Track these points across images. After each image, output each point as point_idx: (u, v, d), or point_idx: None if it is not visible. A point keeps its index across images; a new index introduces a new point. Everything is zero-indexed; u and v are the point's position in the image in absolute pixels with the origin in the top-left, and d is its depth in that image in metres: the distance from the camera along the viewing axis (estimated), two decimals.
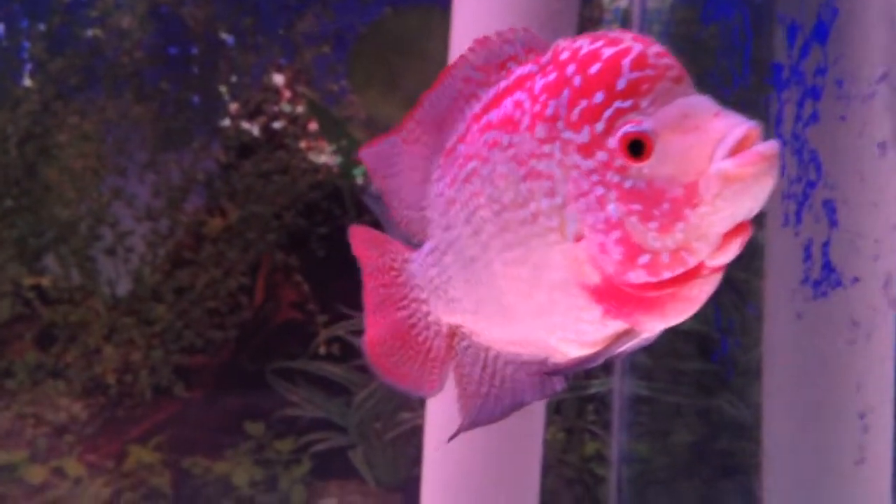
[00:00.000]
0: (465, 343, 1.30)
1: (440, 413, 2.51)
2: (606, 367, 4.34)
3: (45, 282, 4.45)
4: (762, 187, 0.98)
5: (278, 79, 4.90)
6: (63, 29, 4.57)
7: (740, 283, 4.20)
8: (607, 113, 1.03)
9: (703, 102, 1.02)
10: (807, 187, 2.63)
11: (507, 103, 1.13)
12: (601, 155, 1.04)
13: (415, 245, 1.34)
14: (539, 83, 1.10)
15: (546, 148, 1.08)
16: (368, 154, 1.33)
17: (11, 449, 4.22)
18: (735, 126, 0.99)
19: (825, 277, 2.61)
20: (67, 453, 4.25)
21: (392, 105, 4.72)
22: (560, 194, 1.09)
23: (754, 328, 4.00)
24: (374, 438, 4.55)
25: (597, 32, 1.08)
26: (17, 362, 4.35)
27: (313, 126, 4.88)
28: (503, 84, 1.15)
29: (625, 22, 4.62)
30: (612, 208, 1.04)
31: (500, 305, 1.20)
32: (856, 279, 2.57)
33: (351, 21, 4.85)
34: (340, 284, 4.10)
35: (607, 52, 1.04)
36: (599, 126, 1.04)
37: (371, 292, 1.37)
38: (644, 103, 1.02)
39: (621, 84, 1.03)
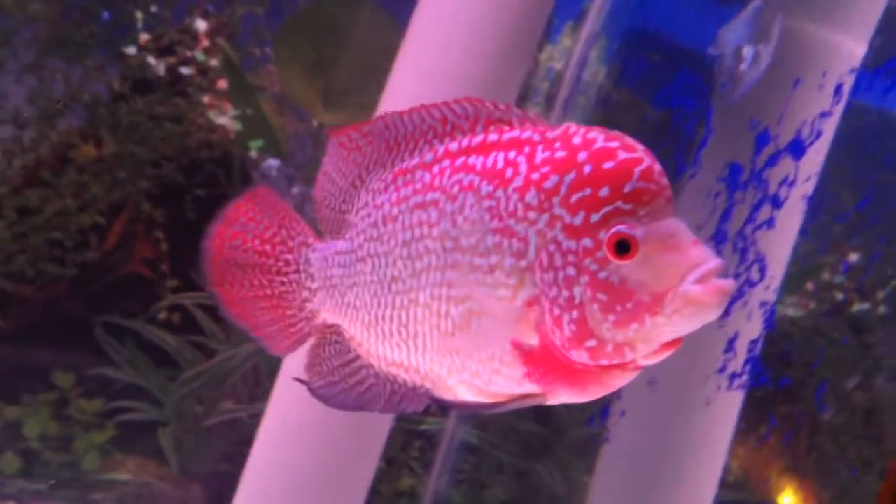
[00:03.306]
0: (334, 339, 1.34)
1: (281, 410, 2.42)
2: (444, 409, 4.31)
3: None
4: (712, 314, 1.08)
5: (201, 25, 4.39)
6: None
7: None
8: (607, 208, 1.09)
9: (685, 228, 1.10)
10: (744, 286, 2.44)
11: (498, 157, 1.17)
12: (587, 241, 1.10)
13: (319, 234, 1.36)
14: (542, 154, 1.14)
15: (531, 214, 1.12)
16: (334, 138, 1.33)
17: None
18: (709, 258, 1.08)
19: (745, 371, 2.43)
20: None
21: (309, 88, 4.33)
22: (527, 259, 1.13)
23: (588, 405, 4.08)
24: (191, 421, 4.08)
25: (610, 131, 1.12)
26: None
27: (222, 84, 4.38)
28: (492, 137, 1.19)
29: (554, 84, 4.48)
30: (579, 291, 1.10)
31: (406, 331, 1.24)
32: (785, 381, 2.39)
33: None
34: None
35: (622, 154, 1.09)
36: (595, 217, 1.09)
37: (246, 252, 1.37)
38: (641, 212, 1.08)
39: (628, 188, 1.08)
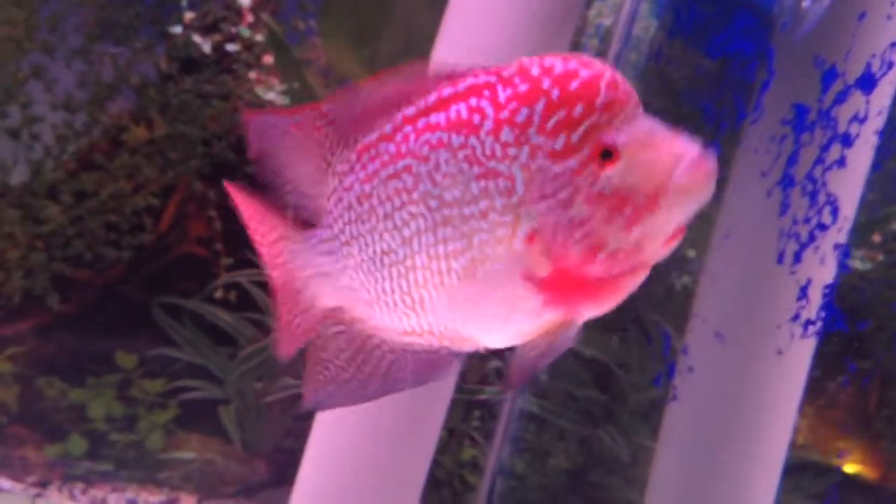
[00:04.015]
0: (336, 329, 1.31)
1: None
2: (503, 378, 4.28)
3: None
4: (706, 195, 1.12)
5: (244, 0, 4.33)
6: None
7: (649, 323, 4.12)
8: (585, 125, 1.11)
9: (660, 125, 1.13)
10: (815, 230, 2.32)
11: (460, 108, 1.17)
12: (572, 162, 1.12)
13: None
14: (505, 93, 1.14)
15: (511, 151, 1.13)
16: (256, 122, 1.30)
17: None
18: (691, 147, 1.11)
19: (820, 318, 2.31)
20: None
21: (354, 60, 4.25)
22: (517, 194, 1.14)
23: (651, 368, 3.96)
24: (251, 398, 4.08)
25: (563, 54, 1.13)
26: None
27: (268, 59, 4.33)
28: (447, 92, 1.18)
29: (604, 41, 4.35)
30: (578, 210, 1.12)
31: (410, 298, 1.23)
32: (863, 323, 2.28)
33: None
34: None
35: (585, 72, 1.12)
36: (575, 136, 1.12)
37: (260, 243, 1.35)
38: (616, 121, 1.11)
39: (599, 101, 1.11)
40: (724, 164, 2.81)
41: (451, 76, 1.18)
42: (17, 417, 3.78)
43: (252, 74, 4.29)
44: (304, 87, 4.24)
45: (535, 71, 1.13)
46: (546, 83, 1.12)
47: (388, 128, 1.22)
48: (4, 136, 3.89)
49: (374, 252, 1.24)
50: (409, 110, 1.20)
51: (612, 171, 1.11)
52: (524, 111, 1.12)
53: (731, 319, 2.49)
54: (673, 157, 1.11)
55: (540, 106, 1.12)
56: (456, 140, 1.16)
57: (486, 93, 1.15)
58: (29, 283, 3.82)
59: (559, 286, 1.15)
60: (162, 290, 4.06)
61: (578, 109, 1.10)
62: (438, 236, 1.19)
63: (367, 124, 1.23)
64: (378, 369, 1.29)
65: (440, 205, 1.18)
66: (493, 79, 1.16)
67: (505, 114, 1.13)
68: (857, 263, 4.17)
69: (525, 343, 1.21)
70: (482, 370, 4.26)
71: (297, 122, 1.27)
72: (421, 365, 1.27)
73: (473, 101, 1.16)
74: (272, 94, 4.26)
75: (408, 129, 1.20)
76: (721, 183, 2.94)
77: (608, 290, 1.16)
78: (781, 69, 2.57)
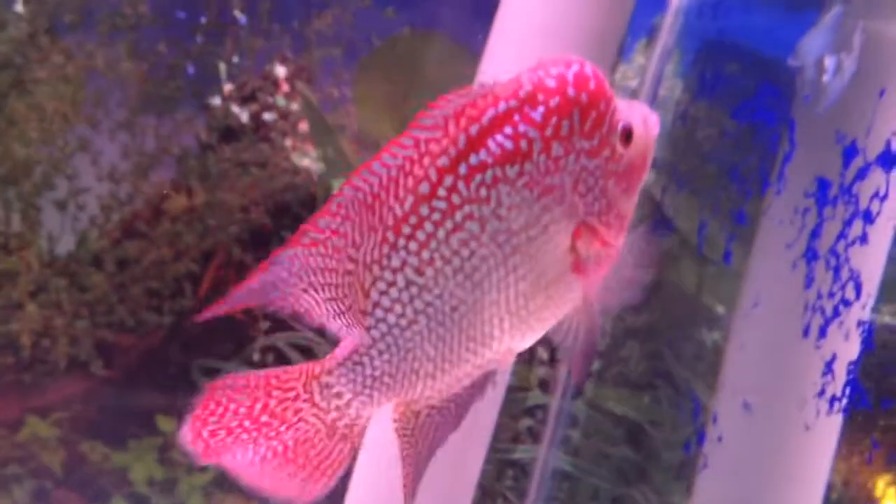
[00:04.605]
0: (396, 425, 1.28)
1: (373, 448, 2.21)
2: (535, 436, 4.22)
3: None
4: None
5: (280, 70, 4.46)
6: None
7: (680, 381, 4.07)
8: (608, 118, 1.19)
9: (635, 101, 1.26)
10: (839, 305, 2.33)
11: (500, 141, 1.16)
12: (606, 152, 1.20)
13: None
14: (537, 112, 1.16)
15: (562, 162, 1.18)
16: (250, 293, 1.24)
17: None
18: (645, 107, 1.25)
19: (845, 395, 2.31)
20: None
21: (387, 124, 4.33)
22: (568, 198, 1.19)
23: (683, 426, 3.83)
24: None
25: (552, 59, 1.18)
26: None
27: (303, 126, 4.43)
28: (474, 130, 1.16)
29: None
30: (612, 192, 1.21)
31: (474, 342, 1.22)
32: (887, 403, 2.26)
33: (368, 31, 4.45)
34: None
35: (588, 69, 1.17)
36: (604, 129, 1.19)
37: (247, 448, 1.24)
38: (620, 105, 1.21)
39: (608, 93, 1.18)
40: (751, 232, 2.83)
41: (459, 114, 1.16)
42: (63, 482, 3.85)
43: (288, 142, 4.40)
44: (338, 152, 4.34)
45: (551, 83, 1.16)
46: (571, 92, 1.15)
47: (424, 188, 1.18)
48: (52, 208, 4.01)
49: (444, 314, 1.21)
50: (442, 160, 1.17)
51: (628, 149, 1.21)
52: (566, 123, 1.16)
53: (758, 391, 2.49)
54: (645, 119, 1.23)
55: (577, 114, 1.16)
56: (511, 171, 1.17)
57: (517, 118, 1.16)
58: (74, 350, 3.92)
59: (595, 267, 1.23)
60: (201, 353, 4.13)
61: (602, 106, 1.17)
62: (509, 266, 1.19)
63: (393, 194, 1.18)
64: (428, 437, 1.28)
65: (507, 237, 1.19)
66: (514, 103, 1.16)
67: (549, 131, 1.16)
68: (886, 318, 4.13)
69: (563, 339, 1.25)
70: (515, 428, 4.26)
71: (308, 243, 1.20)
72: (461, 406, 1.27)
73: (509, 130, 1.16)
74: (307, 160, 4.36)
75: (448, 180, 1.17)
76: (748, 250, 2.96)
77: (613, 260, 1.24)
78: (803, 141, 2.59)
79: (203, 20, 4.36)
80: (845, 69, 2.48)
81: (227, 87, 4.41)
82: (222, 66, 4.42)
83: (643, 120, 1.23)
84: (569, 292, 1.23)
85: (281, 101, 4.44)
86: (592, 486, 4.28)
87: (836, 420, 2.40)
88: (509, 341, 1.23)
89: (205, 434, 1.23)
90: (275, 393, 1.24)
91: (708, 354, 3.90)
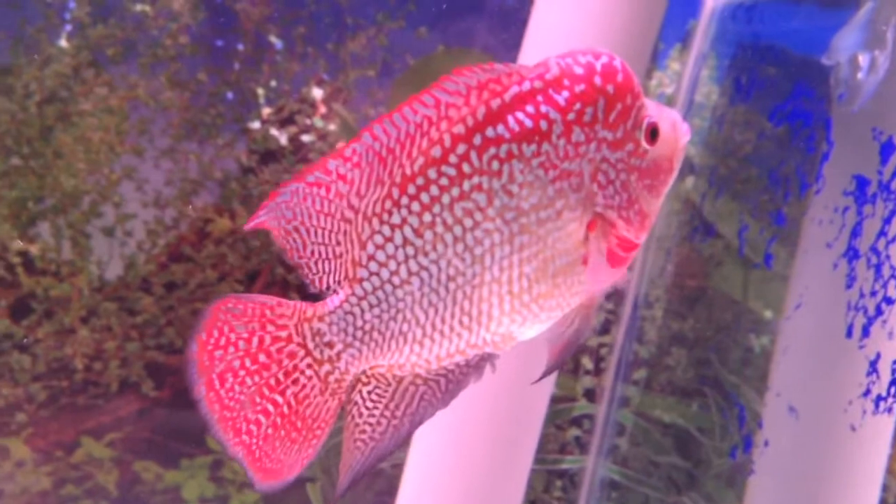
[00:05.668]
0: (369, 387, 1.25)
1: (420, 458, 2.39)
2: (583, 447, 4.18)
3: (34, 249, 3.97)
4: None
5: (317, 93, 4.51)
6: None
7: (728, 387, 4.01)
8: (634, 112, 1.18)
9: (668, 107, 1.24)
10: (882, 303, 2.27)
11: (520, 118, 1.15)
12: (629, 146, 1.19)
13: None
14: (562, 95, 1.15)
15: (582, 149, 1.17)
16: (273, 211, 1.20)
17: None
18: (676, 113, 1.23)
19: (891, 394, 2.25)
20: (15, 433, 3.74)
21: None
22: (585, 187, 1.18)
23: (733, 433, 3.84)
24: (337, 475, 4.09)
25: (581, 49, 1.16)
26: None
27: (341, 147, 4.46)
28: (495, 104, 1.15)
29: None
30: (634, 188, 1.20)
31: (469, 317, 1.19)
32: None
33: (402, 51, 4.48)
34: None
35: (617, 62, 1.16)
36: (629, 123, 1.18)
37: (244, 377, 1.21)
38: (646, 103, 1.20)
39: (636, 88, 1.18)
40: (792, 234, 2.78)
41: (483, 86, 1.16)
42: (117, 501, 3.91)
43: None
44: None
45: (579, 70, 1.16)
46: (598, 81, 1.16)
47: (436, 151, 1.16)
48: (100, 235, 4.10)
49: (440, 281, 1.19)
50: (457, 129, 1.15)
51: (654, 147, 1.20)
52: (589, 110, 1.16)
53: (802, 393, 2.44)
54: (674, 124, 1.23)
55: (601, 103, 1.16)
56: (527, 150, 1.16)
57: (541, 98, 1.16)
58: (125, 372, 3.99)
59: (608, 263, 1.21)
60: None
61: (628, 100, 1.17)
62: (514, 245, 1.17)
63: (406, 152, 1.16)
64: (410, 406, 1.26)
65: (517, 215, 1.17)
66: (539, 84, 1.16)
67: (572, 115, 1.16)
68: None
69: (559, 322, 1.22)
70: (562, 439, 4.23)
71: (316, 180, 1.19)
72: (452, 383, 1.25)
73: (531, 109, 1.16)
74: None
75: (461, 148, 1.16)
76: (789, 251, 2.91)
77: (627, 260, 1.22)
78: (840, 140, 2.55)
79: (240, 47, 4.43)
80: (879, 66, 2.44)
81: (266, 111, 4.47)
82: (260, 91, 4.48)
83: (672, 124, 1.22)
84: (578, 285, 1.21)
85: (318, 122, 4.48)
86: (642, 495, 4.23)
87: (884, 420, 2.35)
88: (509, 324, 1.20)
89: (205, 360, 1.25)
90: (269, 328, 1.23)
91: (755, 359, 3.84)
